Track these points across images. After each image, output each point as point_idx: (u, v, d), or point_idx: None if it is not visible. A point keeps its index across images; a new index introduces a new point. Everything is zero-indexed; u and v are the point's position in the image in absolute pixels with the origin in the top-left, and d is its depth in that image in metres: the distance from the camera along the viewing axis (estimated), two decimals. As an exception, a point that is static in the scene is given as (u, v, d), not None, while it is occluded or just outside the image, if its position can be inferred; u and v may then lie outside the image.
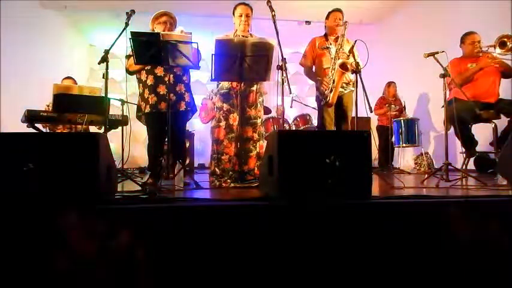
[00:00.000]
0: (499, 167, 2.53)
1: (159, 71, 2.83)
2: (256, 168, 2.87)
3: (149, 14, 2.88)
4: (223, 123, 2.89)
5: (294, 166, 1.65)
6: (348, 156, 1.67)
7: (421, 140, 5.01)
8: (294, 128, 5.08)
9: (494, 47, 3.35)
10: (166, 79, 2.79)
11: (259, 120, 2.99)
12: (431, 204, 1.63)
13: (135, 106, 3.21)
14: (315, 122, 4.75)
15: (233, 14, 2.98)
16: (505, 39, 3.27)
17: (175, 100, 2.80)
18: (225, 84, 2.92)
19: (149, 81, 2.85)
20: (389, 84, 5.58)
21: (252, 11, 2.95)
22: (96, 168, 1.55)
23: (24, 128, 3.68)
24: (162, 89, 2.83)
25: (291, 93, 2.76)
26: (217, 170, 2.84)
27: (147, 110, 2.85)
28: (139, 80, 2.92)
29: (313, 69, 3.50)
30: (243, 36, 2.88)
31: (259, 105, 3.02)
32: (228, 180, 2.78)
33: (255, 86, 2.98)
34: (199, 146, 6.51)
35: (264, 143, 2.99)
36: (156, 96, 2.83)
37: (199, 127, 6.22)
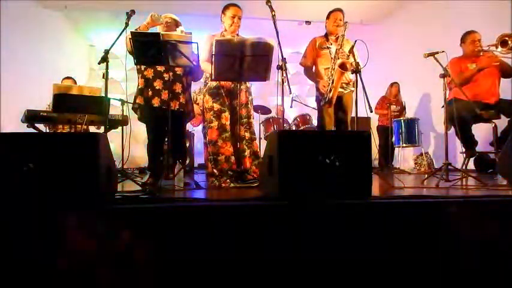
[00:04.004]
0: (499, 167, 2.53)
1: (160, 66, 2.83)
2: (254, 167, 2.87)
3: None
4: (215, 124, 2.87)
5: (294, 166, 1.65)
6: (348, 156, 1.67)
7: (421, 140, 5.01)
8: (294, 128, 5.08)
9: (496, 46, 3.35)
10: (165, 75, 2.80)
11: (251, 119, 2.99)
12: (431, 204, 1.62)
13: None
14: (315, 122, 4.75)
15: (223, 13, 2.98)
16: (506, 38, 3.27)
17: (169, 98, 2.75)
18: (213, 82, 2.91)
19: (148, 74, 2.86)
20: (392, 84, 5.59)
21: (242, 12, 2.96)
22: (96, 168, 1.54)
23: (24, 128, 3.68)
24: (158, 84, 2.84)
25: (291, 93, 2.76)
26: (215, 171, 2.83)
27: (140, 101, 2.87)
28: (139, 71, 2.93)
29: (313, 69, 3.50)
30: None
31: (249, 104, 3.02)
32: (228, 180, 2.77)
33: (244, 85, 2.98)
34: (199, 146, 6.51)
35: (257, 141, 3.01)
36: (151, 91, 2.83)
37: (199, 127, 6.23)
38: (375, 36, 5.90)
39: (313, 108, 4.64)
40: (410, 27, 5.76)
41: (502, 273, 1.58)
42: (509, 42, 3.25)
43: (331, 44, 3.38)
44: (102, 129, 4.01)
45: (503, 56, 3.43)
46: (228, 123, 2.89)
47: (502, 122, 3.57)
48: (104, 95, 2.48)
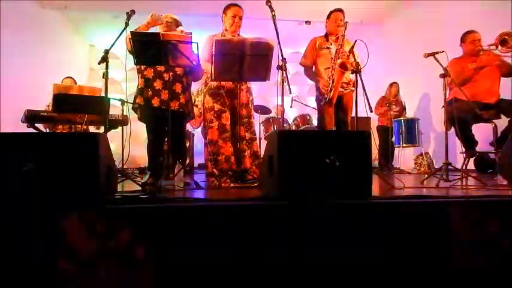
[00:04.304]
0: (499, 167, 2.53)
1: (160, 66, 2.84)
2: (254, 167, 2.87)
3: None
4: (215, 124, 2.87)
5: (294, 166, 1.65)
6: (348, 156, 1.67)
7: (421, 140, 5.01)
8: (294, 128, 5.08)
9: (496, 45, 3.34)
10: (165, 75, 2.80)
11: (251, 119, 3.00)
12: (431, 204, 1.63)
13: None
14: (315, 122, 4.75)
15: (224, 13, 2.98)
16: (506, 37, 3.26)
17: (169, 98, 2.75)
18: (214, 82, 2.91)
19: (148, 74, 2.86)
20: (392, 84, 5.59)
21: (243, 13, 2.96)
22: (96, 168, 1.54)
23: (24, 128, 3.68)
24: (158, 84, 2.84)
25: (291, 93, 2.76)
26: (215, 171, 2.83)
27: (140, 101, 2.87)
28: (139, 71, 2.93)
29: (313, 69, 3.50)
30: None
31: (250, 104, 3.02)
32: (228, 180, 2.77)
33: (245, 85, 2.98)
34: (199, 146, 6.51)
35: (257, 141, 3.01)
36: (151, 91, 2.83)
37: (199, 127, 6.22)
38: (375, 36, 5.91)
39: (313, 108, 4.64)
40: (411, 27, 5.76)
41: (502, 273, 1.58)
42: (509, 41, 3.24)
43: (331, 44, 3.38)
44: (102, 129, 4.01)
45: (503, 55, 3.42)
46: (228, 123, 2.89)
47: (502, 122, 3.57)
48: (104, 95, 2.48)
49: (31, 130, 3.65)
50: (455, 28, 3.93)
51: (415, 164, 5.29)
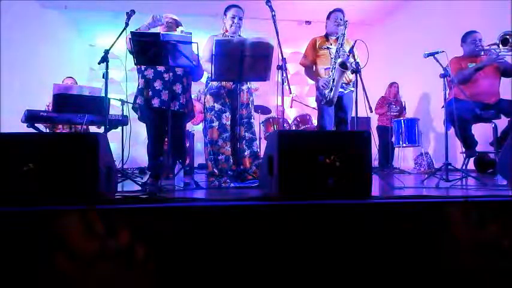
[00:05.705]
0: (499, 167, 2.53)
1: (160, 66, 2.84)
2: (254, 167, 2.87)
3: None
4: (216, 123, 2.88)
5: (294, 166, 1.65)
6: (348, 156, 1.67)
7: (421, 140, 5.01)
8: (294, 128, 5.08)
9: (498, 45, 3.33)
10: (165, 75, 2.81)
11: (252, 120, 3.00)
12: (431, 204, 1.62)
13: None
14: (315, 122, 4.76)
15: (224, 14, 2.99)
16: (507, 37, 3.25)
17: (169, 98, 2.75)
18: (215, 82, 2.92)
19: (148, 74, 2.87)
20: (391, 84, 5.59)
21: (243, 14, 2.97)
22: (96, 168, 1.54)
23: (24, 128, 3.68)
24: (158, 84, 2.85)
25: (291, 93, 2.77)
26: (215, 170, 2.84)
27: (140, 101, 2.87)
28: (139, 71, 2.93)
29: (313, 69, 3.50)
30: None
31: (250, 104, 3.02)
32: (228, 180, 2.78)
33: (246, 85, 2.98)
34: (199, 146, 6.51)
35: (257, 142, 3.02)
36: (151, 91, 2.84)
37: (199, 127, 6.23)
38: (375, 36, 5.91)
39: (313, 108, 4.65)
40: (411, 28, 5.76)
41: (502, 273, 1.58)
42: (511, 40, 3.23)
43: (331, 44, 3.38)
44: (102, 129, 4.01)
45: (504, 54, 3.41)
46: (228, 123, 2.89)
47: (502, 122, 3.57)
48: (104, 95, 2.48)
49: (31, 130, 3.64)
50: (455, 28, 3.93)
51: (415, 164, 5.29)
